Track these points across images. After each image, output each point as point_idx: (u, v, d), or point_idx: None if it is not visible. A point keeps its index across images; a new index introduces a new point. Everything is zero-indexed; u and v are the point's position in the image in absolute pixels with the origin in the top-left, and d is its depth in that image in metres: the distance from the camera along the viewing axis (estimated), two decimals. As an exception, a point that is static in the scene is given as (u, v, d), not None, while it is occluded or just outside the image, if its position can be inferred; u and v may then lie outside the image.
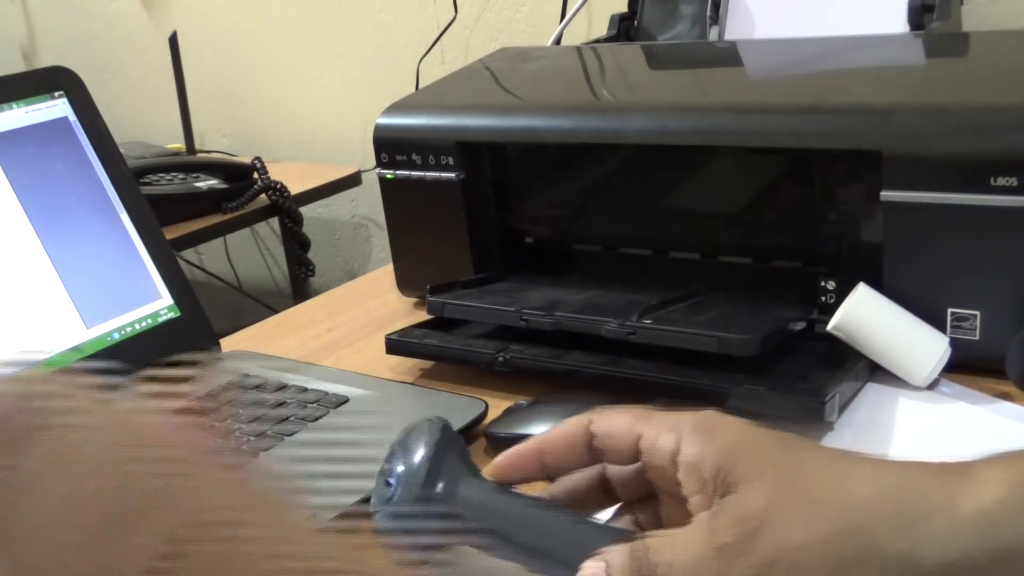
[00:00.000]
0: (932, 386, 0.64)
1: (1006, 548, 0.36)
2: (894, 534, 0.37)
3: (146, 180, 1.30)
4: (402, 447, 0.47)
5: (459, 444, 0.48)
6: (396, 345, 0.75)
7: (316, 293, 1.16)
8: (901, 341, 0.64)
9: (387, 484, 0.47)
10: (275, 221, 1.59)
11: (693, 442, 0.40)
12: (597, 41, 1.07)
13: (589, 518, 0.45)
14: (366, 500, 0.50)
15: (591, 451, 0.44)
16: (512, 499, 0.45)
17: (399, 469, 0.46)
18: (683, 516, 0.41)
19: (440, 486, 0.45)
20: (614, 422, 0.43)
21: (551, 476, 0.47)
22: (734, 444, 0.39)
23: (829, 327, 0.64)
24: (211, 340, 0.79)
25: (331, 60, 1.64)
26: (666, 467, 0.41)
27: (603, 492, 0.47)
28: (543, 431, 0.60)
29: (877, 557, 0.36)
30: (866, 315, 0.64)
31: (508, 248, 0.85)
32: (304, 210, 1.47)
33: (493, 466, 0.46)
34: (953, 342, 0.64)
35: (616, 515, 0.47)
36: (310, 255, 1.51)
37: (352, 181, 1.55)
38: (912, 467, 0.39)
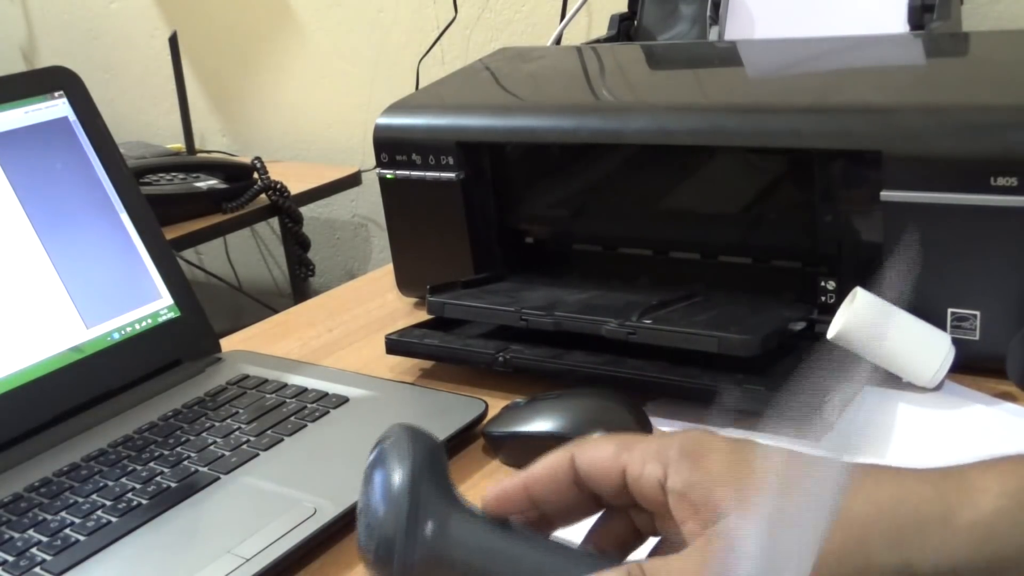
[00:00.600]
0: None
1: (1003, 557, 0.36)
2: (889, 548, 0.37)
3: (146, 180, 1.30)
4: (378, 476, 0.44)
5: (438, 463, 0.44)
6: (396, 345, 0.75)
7: (316, 293, 1.16)
8: (904, 345, 0.64)
9: (369, 527, 0.43)
10: (275, 221, 1.59)
11: (680, 469, 0.39)
12: (597, 41, 1.07)
13: (588, 552, 0.43)
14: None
15: (578, 484, 0.43)
16: (506, 537, 0.43)
17: (376, 502, 0.43)
18: (677, 528, 0.40)
19: (429, 526, 0.42)
20: (597, 455, 0.42)
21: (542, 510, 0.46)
22: (722, 468, 0.39)
23: (829, 337, 0.64)
24: (211, 340, 0.79)
25: (331, 60, 1.64)
26: (655, 496, 0.40)
27: (593, 502, 0.46)
28: (541, 429, 0.60)
29: (874, 572, 0.36)
30: (866, 323, 0.63)
31: (508, 248, 0.85)
32: (304, 210, 1.47)
33: (482, 504, 0.45)
34: (953, 342, 0.64)
35: (612, 514, 0.47)
36: (310, 255, 1.51)
37: (352, 181, 1.55)
38: (907, 476, 0.39)
